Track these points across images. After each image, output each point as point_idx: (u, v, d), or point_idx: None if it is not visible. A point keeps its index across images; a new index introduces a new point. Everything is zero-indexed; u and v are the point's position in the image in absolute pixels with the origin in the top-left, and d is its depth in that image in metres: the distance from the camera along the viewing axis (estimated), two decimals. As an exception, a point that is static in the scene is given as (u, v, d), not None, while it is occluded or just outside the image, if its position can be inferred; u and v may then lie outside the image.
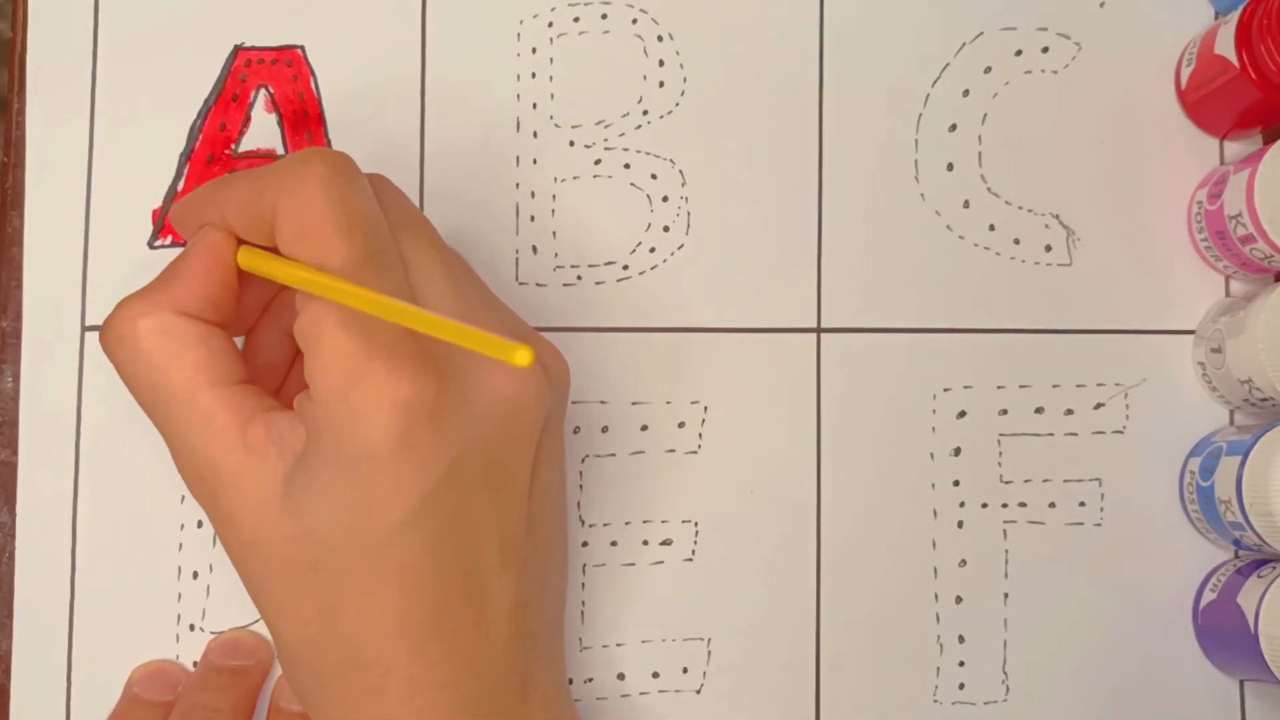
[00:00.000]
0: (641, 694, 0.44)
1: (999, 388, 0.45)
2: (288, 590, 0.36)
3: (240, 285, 0.38)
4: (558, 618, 0.41)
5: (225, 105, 0.44)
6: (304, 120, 0.44)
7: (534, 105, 0.44)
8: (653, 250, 0.44)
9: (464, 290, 0.38)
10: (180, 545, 0.43)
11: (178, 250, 0.43)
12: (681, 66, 0.45)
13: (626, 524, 0.44)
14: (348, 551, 0.35)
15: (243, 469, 0.36)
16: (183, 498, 0.43)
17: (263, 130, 0.44)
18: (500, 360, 0.33)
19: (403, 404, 0.34)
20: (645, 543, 0.44)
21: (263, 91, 0.44)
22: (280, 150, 0.44)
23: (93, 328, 0.43)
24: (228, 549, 0.37)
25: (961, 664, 0.44)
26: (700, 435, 0.44)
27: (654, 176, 0.45)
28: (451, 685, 0.36)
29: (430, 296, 0.37)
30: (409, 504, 0.35)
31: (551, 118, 0.44)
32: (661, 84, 0.45)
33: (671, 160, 0.45)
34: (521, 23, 0.45)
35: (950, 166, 0.45)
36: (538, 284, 0.44)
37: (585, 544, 0.44)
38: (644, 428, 0.44)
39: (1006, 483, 0.44)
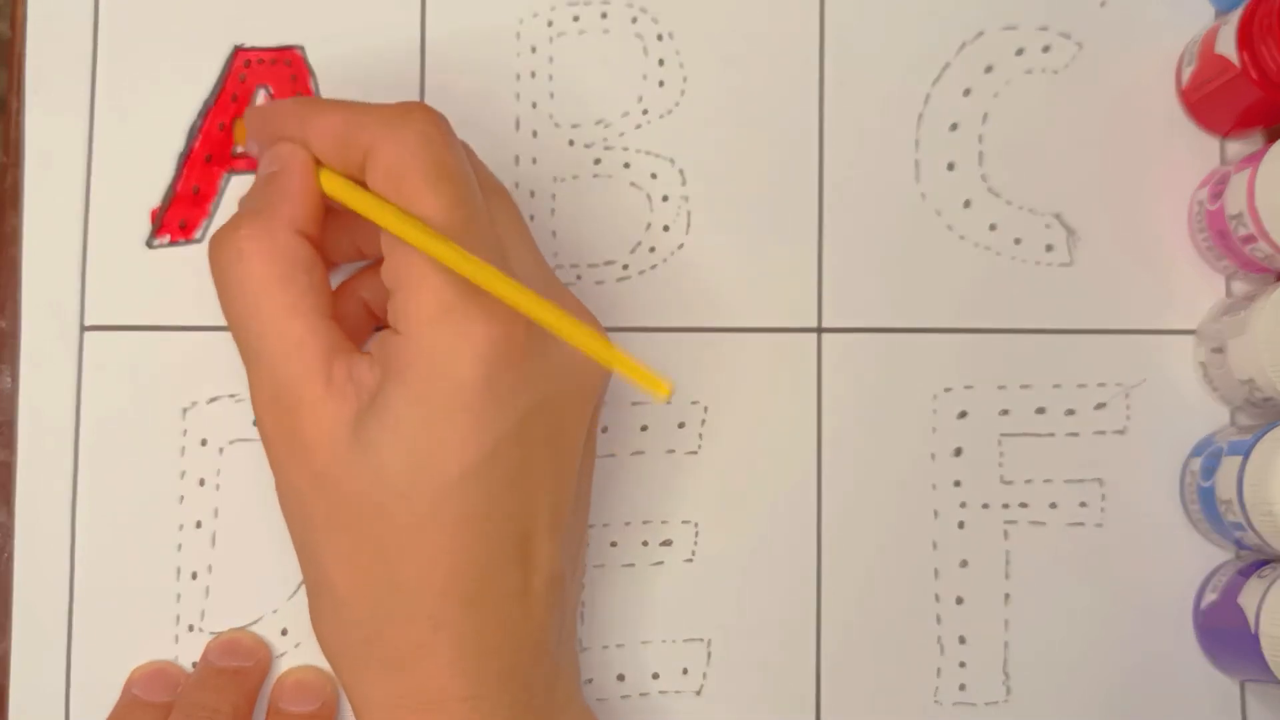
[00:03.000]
0: (641, 695, 0.44)
1: (1000, 388, 0.44)
2: (350, 533, 0.36)
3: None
4: (576, 605, 0.41)
5: (225, 105, 0.44)
6: (303, 120, 0.44)
7: (533, 105, 0.44)
8: (653, 250, 0.44)
9: (543, 262, 0.39)
10: (179, 546, 0.43)
11: (177, 250, 0.43)
12: (681, 66, 0.45)
13: (626, 524, 0.44)
14: (414, 495, 0.35)
15: (321, 401, 0.36)
16: (182, 498, 0.43)
17: (262, 130, 0.44)
18: (586, 320, 0.36)
19: (493, 341, 0.35)
20: (645, 543, 0.44)
21: (262, 92, 0.44)
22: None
23: (91, 328, 0.43)
24: (288, 485, 0.37)
25: (962, 665, 0.44)
26: (700, 435, 0.44)
27: (654, 176, 0.44)
28: (493, 654, 0.36)
29: (517, 262, 0.37)
30: (482, 447, 0.35)
31: (551, 117, 0.44)
32: (661, 84, 0.45)
33: (671, 160, 0.45)
34: (521, 22, 0.45)
35: (951, 166, 0.45)
36: (537, 284, 0.44)
37: (586, 543, 0.44)
38: (644, 428, 0.44)
39: (1007, 483, 0.44)
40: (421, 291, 0.35)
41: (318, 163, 0.38)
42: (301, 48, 0.44)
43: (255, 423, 0.38)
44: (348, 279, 0.42)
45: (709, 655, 0.44)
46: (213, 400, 0.43)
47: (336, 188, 0.38)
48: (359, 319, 0.42)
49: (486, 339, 0.35)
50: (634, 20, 0.45)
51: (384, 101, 0.43)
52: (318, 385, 0.36)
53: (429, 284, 0.35)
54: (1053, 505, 0.44)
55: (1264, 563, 0.42)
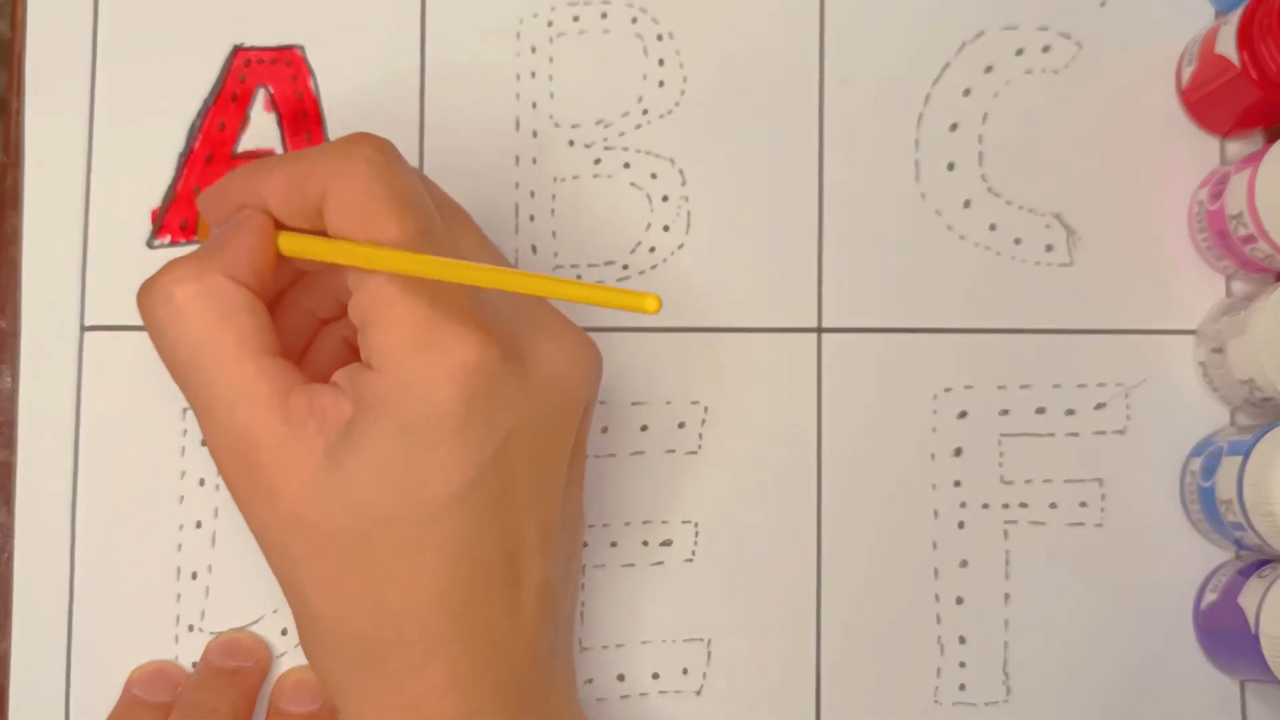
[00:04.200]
0: (641, 695, 0.44)
1: (1000, 388, 0.44)
2: (332, 565, 0.36)
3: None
4: (572, 613, 0.41)
5: (224, 105, 0.44)
6: (303, 120, 0.44)
7: (533, 105, 0.44)
8: (653, 250, 0.44)
9: None
10: (179, 546, 0.43)
11: (177, 250, 0.43)
12: (681, 66, 0.45)
13: (626, 524, 0.44)
14: (398, 524, 0.35)
15: (283, 441, 0.35)
16: (181, 498, 0.43)
17: (262, 130, 0.44)
18: (566, 334, 0.35)
19: (470, 369, 0.34)
20: (645, 543, 0.44)
21: (262, 91, 0.44)
22: (280, 150, 0.44)
23: (91, 328, 0.43)
24: (260, 526, 0.37)
25: (962, 665, 0.44)
26: (700, 435, 0.44)
27: (654, 176, 0.44)
28: (486, 669, 0.36)
29: None
30: (465, 474, 0.35)
31: (551, 117, 0.44)
32: (661, 84, 0.45)
33: (671, 160, 0.45)
34: (521, 22, 0.45)
35: (951, 166, 0.45)
36: (537, 284, 0.44)
37: (585, 544, 0.44)
38: (644, 428, 0.44)
39: (1007, 483, 0.44)
40: (392, 323, 0.35)
41: (279, 226, 0.37)
42: (301, 47, 0.44)
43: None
44: (327, 319, 0.41)
45: (709, 655, 0.44)
46: (213, 400, 0.43)
47: (296, 245, 0.37)
48: (340, 358, 0.41)
49: (463, 367, 0.34)
50: (634, 20, 0.45)
51: (383, 100, 0.44)
52: (276, 426, 0.35)
53: (399, 315, 0.35)
54: (1053, 505, 0.44)
55: (1264, 563, 0.42)
